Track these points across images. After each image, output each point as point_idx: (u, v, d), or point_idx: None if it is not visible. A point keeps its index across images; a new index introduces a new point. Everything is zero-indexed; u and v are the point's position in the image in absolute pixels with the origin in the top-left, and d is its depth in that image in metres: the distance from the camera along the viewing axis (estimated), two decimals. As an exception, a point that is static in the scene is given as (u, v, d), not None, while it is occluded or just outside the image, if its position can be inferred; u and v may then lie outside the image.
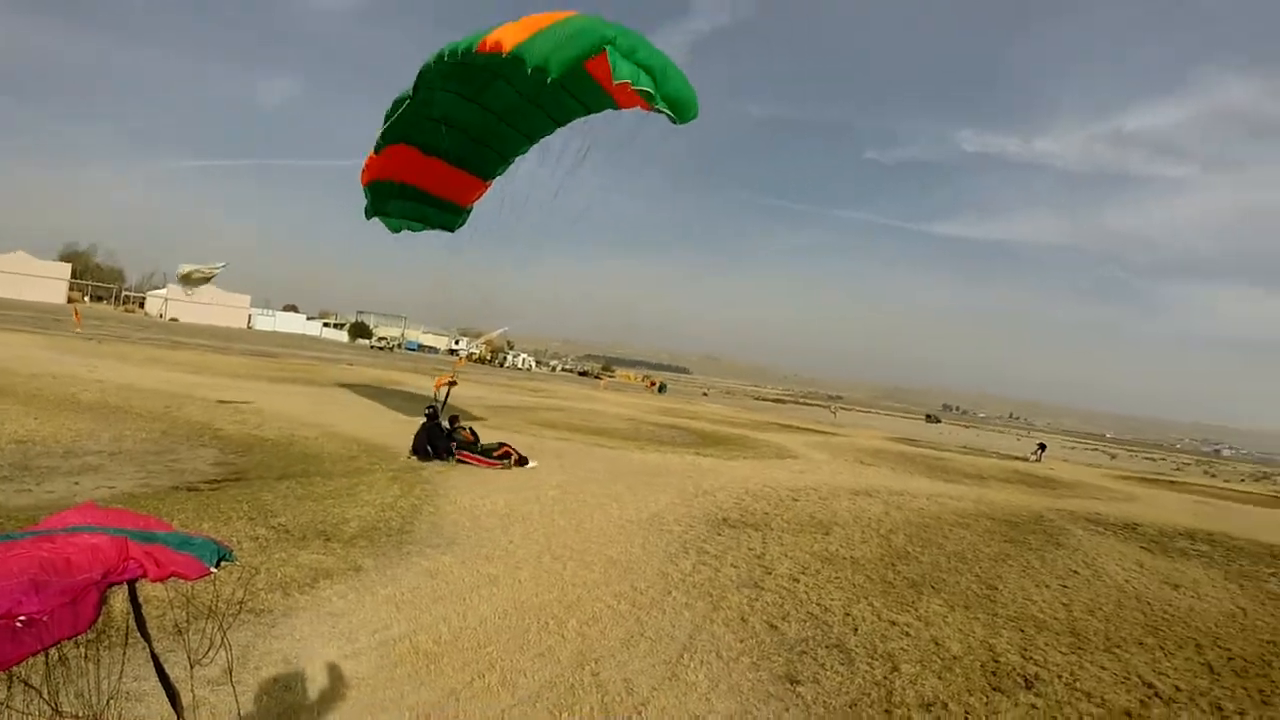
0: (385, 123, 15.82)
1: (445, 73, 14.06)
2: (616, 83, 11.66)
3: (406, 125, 15.78)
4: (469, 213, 19.79)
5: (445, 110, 15.74)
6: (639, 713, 5.61)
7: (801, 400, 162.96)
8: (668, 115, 12.16)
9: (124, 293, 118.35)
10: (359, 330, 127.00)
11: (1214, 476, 67.02)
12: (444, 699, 5.42)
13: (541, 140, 17.34)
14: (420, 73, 13.97)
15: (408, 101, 14.79)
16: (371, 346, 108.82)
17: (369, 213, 18.42)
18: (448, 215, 19.49)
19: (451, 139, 16.63)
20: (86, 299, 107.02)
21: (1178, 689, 7.98)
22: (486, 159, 17.86)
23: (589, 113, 15.64)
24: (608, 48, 11.58)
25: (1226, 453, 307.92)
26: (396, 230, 19.19)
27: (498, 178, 18.68)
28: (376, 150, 16.43)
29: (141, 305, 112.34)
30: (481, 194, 19.29)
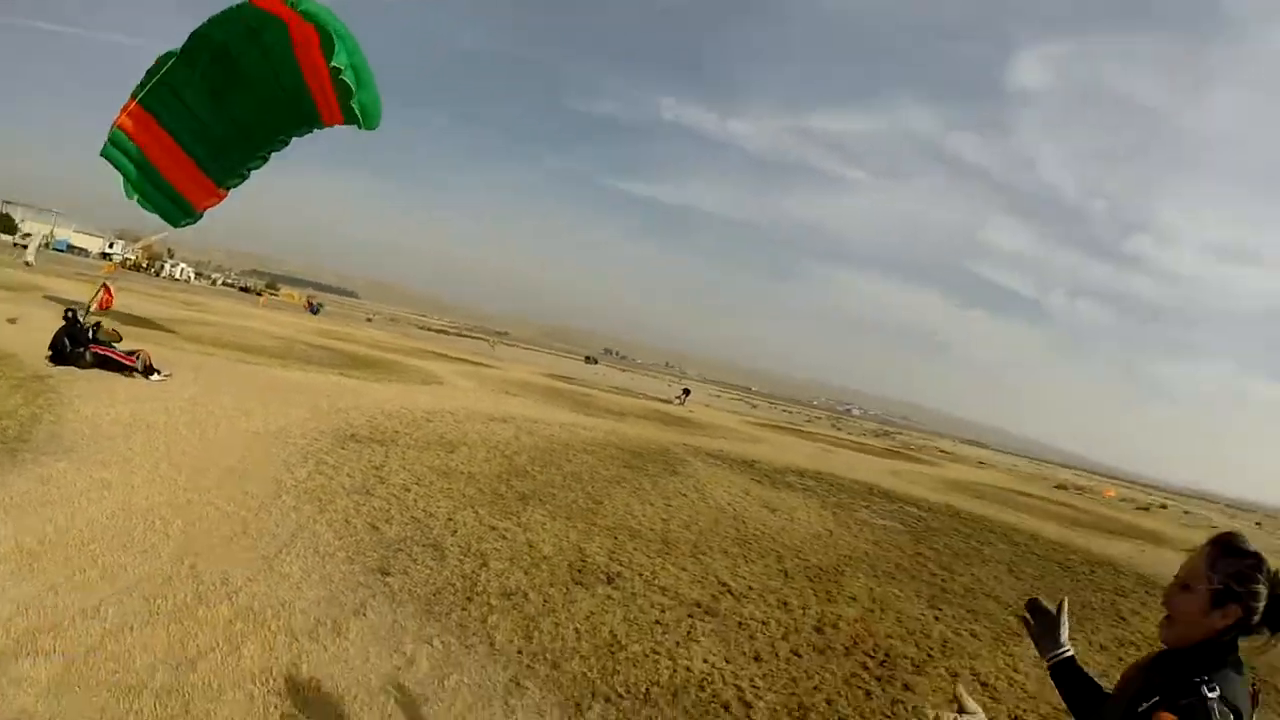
0: (147, 76, 15.78)
1: (210, 53, 15.04)
2: (332, 64, 13.14)
3: (162, 102, 15.82)
4: (199, 218, 19.26)
5: (197, 107, 16.08)
6: (230, 599, 6.01)
7: (466, 333, 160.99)
8: (357, 121, 13.51)
9: None
10: (3, 224, 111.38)
11: (840, 430, 74.42)
12: (44, 592, 5.53)
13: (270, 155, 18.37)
14: (191, 38, 14.94)
15: (168, 66, 15.31)
16: (14, 244, 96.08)
17: (106, 152, 16.92)
18: (179, 213, 18.72)
19: (198, 141, 16.87)
20: None
21: (750, 588, 9.30)
22: (226, 168, 17.94)
23: (300, 127, 17.14)
24: (338, 35, 13.11)
25: (856, 412, 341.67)
26: (129, 196, 17.79)
27: (232, 189, 18.80)
28: (133, 98, 15.99)
29: None
30: (215, 204, 19.01)
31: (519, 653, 6.01)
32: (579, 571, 8.30)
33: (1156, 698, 2.18)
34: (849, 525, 15.00)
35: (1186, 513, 50.97)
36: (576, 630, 6.72)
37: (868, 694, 7.06)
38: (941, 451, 73.70)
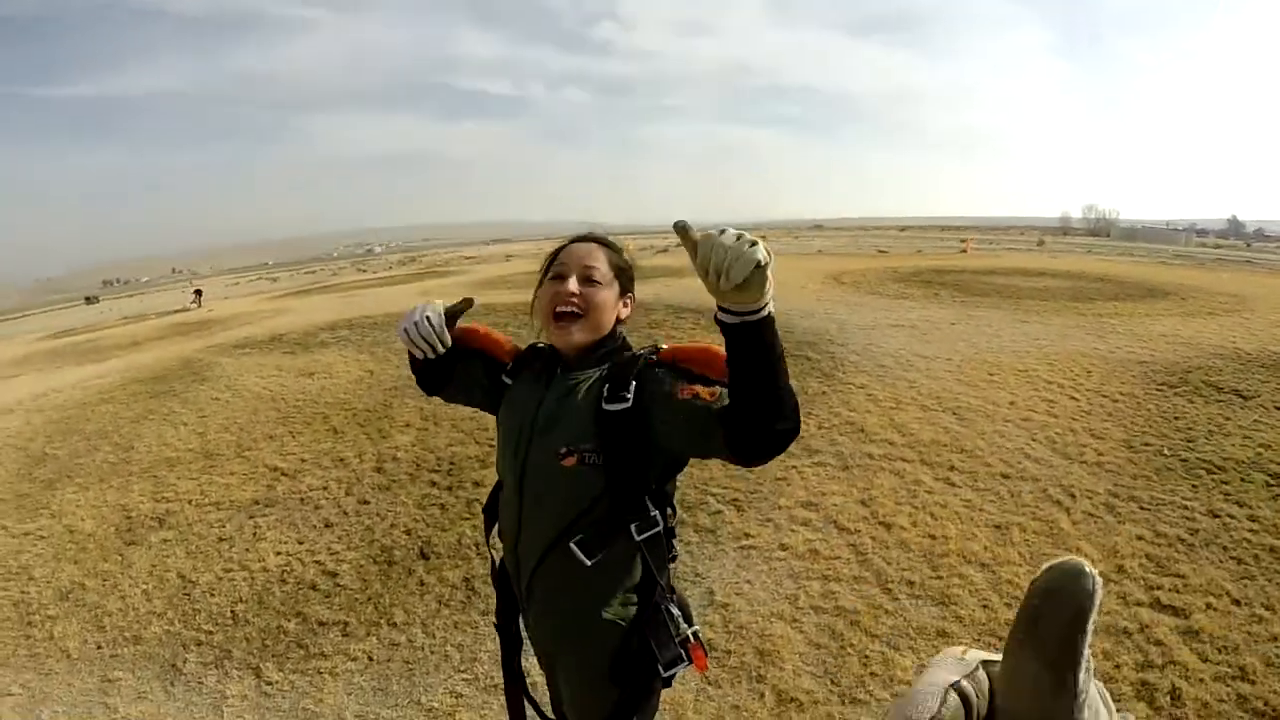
0: None
1: None
2: None
3: None
4: None
5: None
6: None
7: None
8: None
9: None
10: None
11: (365, 271, 73.98)
12: None
13: None
14: None
15: None
16: None
17: None
18: None
19: None
20: None
21: (302, 461, 9.08)
22: None
23: None
24: None
25: (379, 250, 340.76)
26: None
27: None
28: None
29: None
30: None
31: (98, 648, 5.45)
32: (127, 531, 7.54)
33: (629, 381, 2.17)
34: (388, 359, 14.96)
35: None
36: (145, 592, 6.21)
37: (443, 507, 7.33)
38: (467, 258, 75.64)
